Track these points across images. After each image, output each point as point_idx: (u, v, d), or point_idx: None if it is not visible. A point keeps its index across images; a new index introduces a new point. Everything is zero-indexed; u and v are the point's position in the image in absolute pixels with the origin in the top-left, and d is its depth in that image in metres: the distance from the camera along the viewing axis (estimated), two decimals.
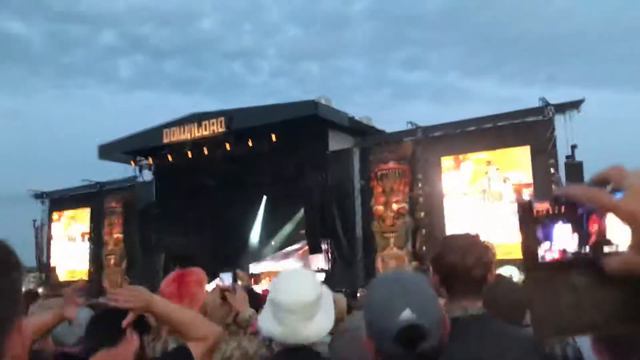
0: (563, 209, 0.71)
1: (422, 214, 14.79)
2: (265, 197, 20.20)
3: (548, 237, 0.71)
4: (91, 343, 1.91)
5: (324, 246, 16.12)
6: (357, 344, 1.29)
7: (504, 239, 13.39)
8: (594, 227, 0.69)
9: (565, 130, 13.21)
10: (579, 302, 0.70)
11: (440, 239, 1.99)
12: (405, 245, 14.80)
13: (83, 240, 20.80)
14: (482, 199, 14.23)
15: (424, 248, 14.40)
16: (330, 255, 16.04)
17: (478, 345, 1.65)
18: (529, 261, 0.74)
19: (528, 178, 13.61)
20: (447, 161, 14.77)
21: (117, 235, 19.57)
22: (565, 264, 0.72)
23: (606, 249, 0.70)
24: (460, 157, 14.58)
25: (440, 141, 14.91)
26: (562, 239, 0.71)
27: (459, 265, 1.78)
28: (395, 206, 14.96)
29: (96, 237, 20.21)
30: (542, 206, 0.73)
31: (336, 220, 15.92)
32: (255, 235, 20.74)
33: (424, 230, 14.67)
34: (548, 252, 0.72)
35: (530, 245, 0.73)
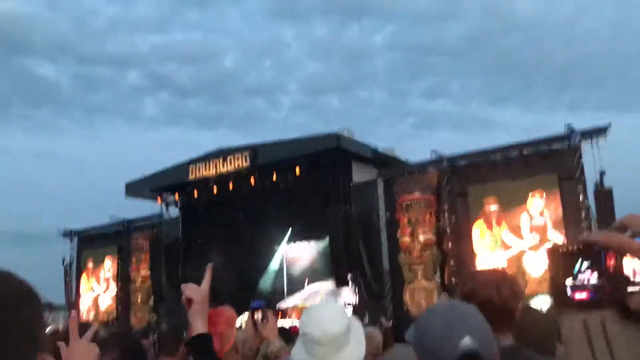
0: (582, 248, 0.80)
1: (450, 245, 14.58)
2: (290, 229, 20.19)
3: (573, 273, 0.80)
4: None
5: (350, 279, 15.98)
6: None
7: (534, 272, 13.31)
8: (610, 262, 0.78)
9: (592, 157, 13.03)
10: (608, 341, 0.75)
11: (469, 272, 2.04)
12: (433, 277, 14.58)
13: (111, 277, 20.94)
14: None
15: (453, 279, 14.15)
16: (356, 289, 15.87)
17: None
18: (559, 298, 0.81)
19: (557, 207, 13.39)
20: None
21: (144, 272, 19.67)
22: (592, 303, 0.78)
23: (630, 289, 0.79)
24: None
25: (466, 170, 14.79)
26: (585, 274, 0.79)
27: (495, 298, 1.79)
28: (421, 237, 14.79)
29: (123, 275, 20.34)
30: (566, 247, 0.83)
31: (362, 252, 15.79)
32: (274, 267, 20.63)
33: (452, 261, 14.44)
34: (577, 292, 0.79)
35: (559, 283, 0.81)
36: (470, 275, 2.00)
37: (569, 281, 0.83)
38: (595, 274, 0.83)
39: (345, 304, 14.56)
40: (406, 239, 14.94)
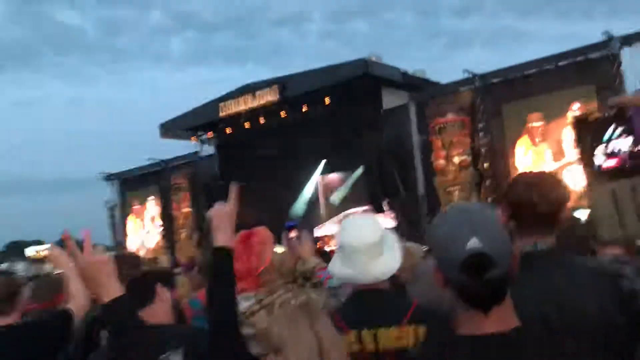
0: (614, 114, 0.76)
1: (486, 165, 14.43)
2: (324, 161, 20.23)
3: (602, 141, 0.76)
4: (131, 305, 1.89)
5: (386, 206, 16.07)
6: (435, 286, 1.30)
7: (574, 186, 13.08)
8: None
9: (632, 64, 12.45)
10: (638, 203, 0.73)
11: (516, 176, 2.00)
12: (470, 198, 14.54)
13: (154, 217, 21.66)
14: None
15: (489, 199, 14.09)
16: (393, 215, 15.98)
17: (550, 275, 1.65)
18: (588, 167, 0.78)
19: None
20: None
21: (186, 209, 20.24)
22: (624, 169, 0.75)
23: None
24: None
25: (500, 88, 14.39)
26: (618, 141, 0.75)
27: (524, 200, 1.76)
28: (457, 159, 14.64)
29: (166, 213, 20.99)
30: (594, 115, 0.78)
31: (396, 178, 15.79)
32: (307, 195, 20.82)
33: (488, 182, 14.33)
34: (607, 159, 0.76)
35: (586, 153, 0.78)
36: (514, 179, 1.95)
37: (599, 149, 0.80)
38: (630, 139, 0.79)
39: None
40: (441, 162, 14.82)
